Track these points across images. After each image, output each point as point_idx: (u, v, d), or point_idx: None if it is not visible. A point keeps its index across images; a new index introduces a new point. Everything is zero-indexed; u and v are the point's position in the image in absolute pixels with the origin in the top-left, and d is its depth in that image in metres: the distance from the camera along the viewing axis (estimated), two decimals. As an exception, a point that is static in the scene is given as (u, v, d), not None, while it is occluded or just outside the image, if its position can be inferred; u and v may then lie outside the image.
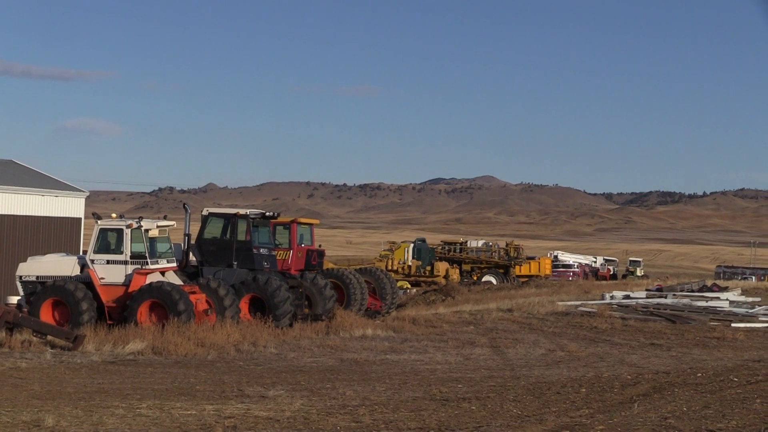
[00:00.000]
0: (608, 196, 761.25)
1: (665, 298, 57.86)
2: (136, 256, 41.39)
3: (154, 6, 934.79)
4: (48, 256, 44.19)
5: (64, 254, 44.58)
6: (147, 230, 42.41)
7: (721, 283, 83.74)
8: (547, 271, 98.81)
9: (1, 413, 21.26)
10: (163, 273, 41.91)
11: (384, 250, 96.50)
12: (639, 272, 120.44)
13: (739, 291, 64.80)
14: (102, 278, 41.10)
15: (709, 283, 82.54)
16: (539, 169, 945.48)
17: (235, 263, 43.98)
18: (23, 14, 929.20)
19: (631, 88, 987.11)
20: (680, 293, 62.15)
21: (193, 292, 40.74)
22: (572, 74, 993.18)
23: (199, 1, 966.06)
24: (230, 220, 45.08)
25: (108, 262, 41.43)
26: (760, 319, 49.68)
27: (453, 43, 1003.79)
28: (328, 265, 54.99)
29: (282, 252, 46.51)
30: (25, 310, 39.53)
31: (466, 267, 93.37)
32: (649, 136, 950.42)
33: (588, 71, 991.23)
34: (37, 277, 41.72)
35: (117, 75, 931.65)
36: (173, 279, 41.84)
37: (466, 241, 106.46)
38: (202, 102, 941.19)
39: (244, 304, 42.26)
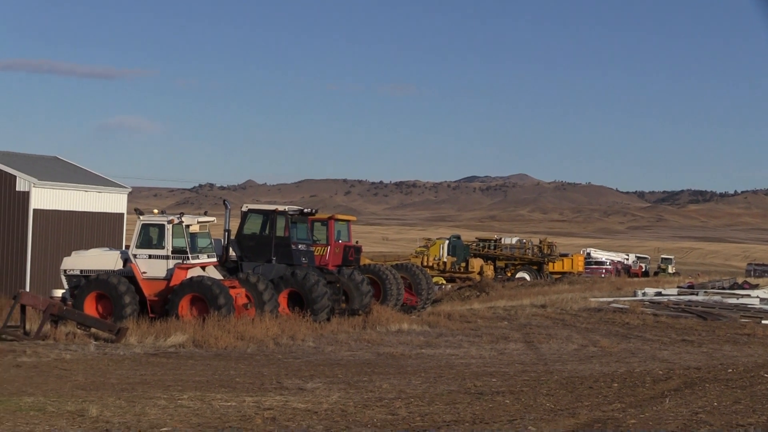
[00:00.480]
0: (640, 195, 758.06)
1: (696, 295, 57.70)
2: (177, 251, 41.49)
3: (195, 5, 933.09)
4: (91, 250, 44.34)
5: (108, 249, 44.76)
6: (188, 226, 42.52)
7: (752, 280, 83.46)
8: (580, 268, 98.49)
9: (47, 403, 21.40)
10: (203, 268, 41.98)
11: (420, 247, 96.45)
12: (671, 270, 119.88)
13: (769, 289, 64.51)
14: (144, 272, 41.23)
15: (740, 280, 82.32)
16: (572, 168, 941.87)
17: (274, 259, 44.01)
18: (67, 14, 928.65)
19: (663, 88, 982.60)
20: (711, 290, 61.95)
21: (233, 287, 40.82)
22: (605, 73, 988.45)
23: (237, 1, 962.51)
24: (269, 216, 45.10)
25: (150, 256, 41.55)
26: (790, 316, 49.47)
27: (487, 44, 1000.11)
28: (364, 261, 55.03)
29: (320, 248, 46.52)
30: (70, 303, 39.68)
31: (500, 263, 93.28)
32: (681, 134, 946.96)
33: (621, 70, 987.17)
34: (81, 271, 41.88)
35: (158, 73, 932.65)
36: (213, 274, 41.90)
37: (500, 238, 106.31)
38: (242, 100, 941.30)
39: (282, 299, 42.34)
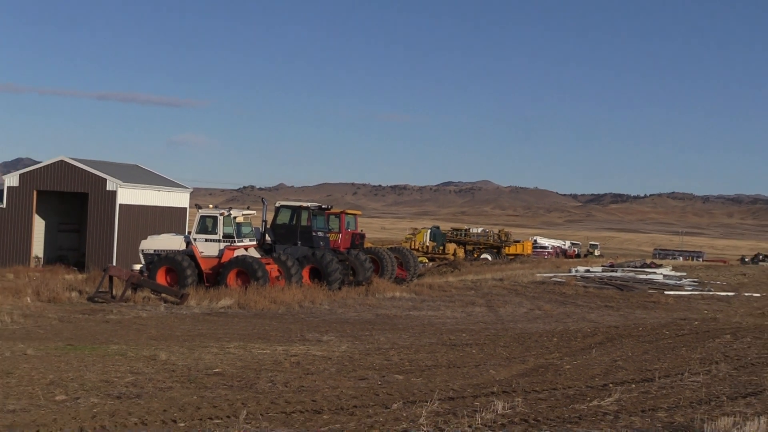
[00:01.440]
0: (574, 196, 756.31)
1: (616, 272, 57.74)
2: (226, 236, 41.67)
3: (239, 50, 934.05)
4: (162, 235, 44.39)
5: (174, 234, 44.77)
6: (234, 217, 42.71)
7: (657, 261, 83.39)
8: (529, 251, 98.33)
9: (128, 350, 21.42)
10: (246, 249, 42.13)
11: (408, 234, 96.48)
12: (596, 253, 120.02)
13: (671, 268, 64.58)
14: (202, 252, 41.35)
15: (648, 261, 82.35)
16: (524, 175, 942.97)
17: (299, 242, 44.14)
18: (144, 56, 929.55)
19: (591, 113, 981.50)
20: (627, 268, 61.97)
21: (268, 263, 40.90)
22: (547, 102, 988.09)
23: (263, 41, 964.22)
24: (296, 210, 45.25)
25: (206, 240, 41.69)
26: (685, 288, 49.55)
27: (450, 83, 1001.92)
28: (367, 244, 54.89)
29: (334, 235, 46.49)
30: (145, 274, 39.80)
31: (469, 247, 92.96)
32: (605, 147, 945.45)
33: (560, 99, 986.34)
34: (155, 250, 41.97)
35: (211, 102, 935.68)
36: (254, 253, 42.03)
37: (469, 228, 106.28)
38: (275, 120, 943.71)
39: (305, 273, 42.37)
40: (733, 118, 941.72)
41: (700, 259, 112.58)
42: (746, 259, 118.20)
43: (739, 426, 10.35)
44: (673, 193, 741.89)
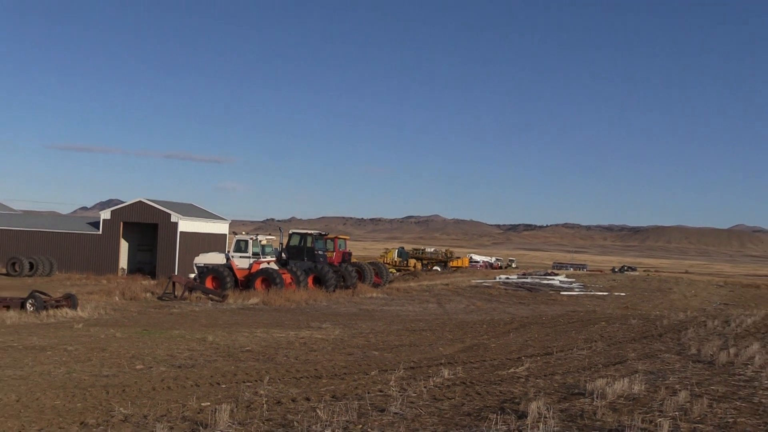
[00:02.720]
0: (498, 226, 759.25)
1: (527, 279, 57.86)
2: (254, 254, 41.58)
3: (261, 121, 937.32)
4: (209, 253, 44.22)
5: (218, 252, 44.63)
6: (260, 241, 42.66)
7: (555, 271, 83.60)
8: (466, 264, 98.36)
9: (185, 333, 21.34)
10: (268, 263, 42.06)
11: (382, 253, 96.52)
12: (514, 265, 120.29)
13: (564, 276, 64.82)
14: (237, 265, 41.21)
15: (549, 271, 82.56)
16: (463, 209, 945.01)
17: (305, 258, 44.10)
18: (200, 126, 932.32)
19: (506, 165, 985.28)
20: (534, 276, 62.13)
21: (284, 273, 40.83)
22: (474, 157, 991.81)
23: (282, 105, 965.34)
24: (303, 236, 45.22)
25: (240, 257, 41.58)
26: (574, 289, 49.72)
27: (406, 137, 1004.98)
28: (353, 260, 54.83)
29: (330, 253, 46.54)
30: (198, 281, 39.65)
31: (425, 262, 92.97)
32: (518, 191, 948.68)
33: (481, 154, 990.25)
34: (204, 264, 41.83)
35: (244, 160, 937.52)
36: (273, 266, 41.94)
37: (425, 248, 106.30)
38: (288, 171, 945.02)
39: (310, 280, 42.30)
40: (606, 169, 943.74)
41: (584, 270, 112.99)
42: (616, 269, 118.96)
43: (609, 384, 10.40)
44: (566, 223, 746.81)
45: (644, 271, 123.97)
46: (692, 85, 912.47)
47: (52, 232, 57.22)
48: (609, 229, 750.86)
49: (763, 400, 9.64)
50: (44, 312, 26.30)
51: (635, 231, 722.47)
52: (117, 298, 34.37)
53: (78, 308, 27.62)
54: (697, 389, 10.44)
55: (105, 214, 56.59)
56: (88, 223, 58.61)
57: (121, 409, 10.83)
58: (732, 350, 14.92)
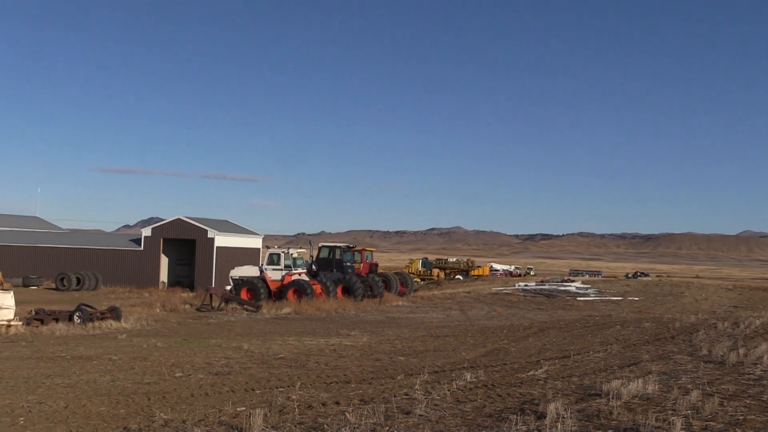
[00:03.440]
0: (517, 236, 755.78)
1: (544, 285, 57.61)
2: (286, 267, 41.69)
3: (292, 143, 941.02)
4: (244, 266, 44.43)
5: (252, 265, 44.83)
6: (292, 254, 42.76)
7: (572, 278, 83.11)
8: (487, 273, 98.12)
9: (222, 342, 21.38)
10: (299, 274, 42.12)
11: (407, 263, 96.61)
12: (532, 273, 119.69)
13: (580, 282, 64.46)
14: (270, 277, 41.32)
15: (565, 278, 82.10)
16: (484, 220, 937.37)
17: (334, 270, 44.09)
18: (236, 147, 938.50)
19: (527, 176, 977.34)
20: (552, 283, 61.86)
21: (315, 284, 40.87)
22: (495, 170, 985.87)
23: (308, 137, 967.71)
24: (333, 249, 45.21)
25: (273, 269, 41.70)
26: (590, 295, 49.41)
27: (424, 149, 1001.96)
28: (380, 270, 54.81)
29: (357, 264, 46.53)
30: (233, 292, 39.78)
31: (448, 271, 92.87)
32: (536, 202, 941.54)
33: (500, 169, 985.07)
34: (239, 276, 41.96)
35: (276, 179, 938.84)
36: (304, 278, 41.99)
37: (447, 259, 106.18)
38: (317, 188, 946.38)
39: (339, 290, 42.28)
40: (618, 179, 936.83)
41: (599, 276, 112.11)
42: (629, 275, 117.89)
43: (624, 385, 10.29)
44: (581, 232, 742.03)
45: (656, 276, 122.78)
46: (698, 96, 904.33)
47: (97, 249, 57.75)
48: (622, 237, 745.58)
49: (772, 399, 9.50)
50: (90, 324, 26.51)
51: (647, 238, 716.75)
52: (158, 310, 34.54)
53: (122, 320, 27.81)
54: (708, 388, 10.31)
55: (146, 232, 57.06)
56: (131, 240, 59.10)
57: (161, 414, 10.87)
58: (741, 351, 14.73)
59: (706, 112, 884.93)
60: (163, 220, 57.57)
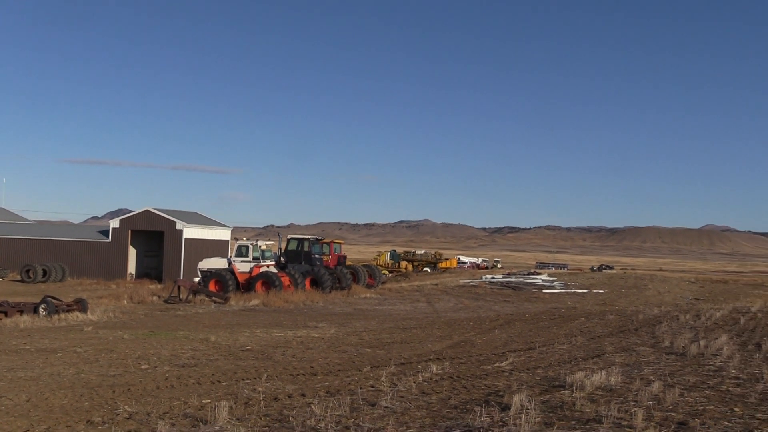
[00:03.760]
0: (484, 228, 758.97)
1: (511, 278, 57.88)
2: (255, 259, 41.46)
3: (263, 135, 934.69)
4: (213, 258, 44.06)
5: (221, 257, 44.48)
6: (260, 246, 42.52)
7: (538, 271, 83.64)
8: (454, 266, 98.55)
9: (189, 334, 21.21)
10: (268, 266, 41.91)
11: (375, 255, 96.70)
12: (499, 266, 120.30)
13: (546, 275, 64.90)
14: (239, 269, 41.10)
15: (532, 270, 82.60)
16: (451, 213, 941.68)
17: (303, 262, 43.98)
18: (206, 139, 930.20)
19: (496, 170, 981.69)
20: (518, 276, 62.18)
21: (283, 276, 40.73)
22: (464, 162, 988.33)
23: (279, 130, 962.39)
24: (301, 241, 45.10)
25: (242, 261, 41.47)
26: (556, 287, 49.75)
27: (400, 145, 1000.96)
28: (348, 262, 54.72)
29: (326, 256, 46.44)
30: (201, 284, 39.50)
31: (416, 263, 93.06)
32: (503, 195, 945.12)
33: (470, 161, 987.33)
34: (207, 268, 41.65)
35: (246, 171, 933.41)
36: (273, 269, 41.80)
37: (415, 251, 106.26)
38: (287, 181, 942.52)
39: (307, 282, 42.18)
40: (584, 173, 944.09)
41: (565, 269, 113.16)
42: (594, 268, 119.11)
43: (588, 377, 10.33)
44: (547, 225, 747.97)
45: (621, 269, 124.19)
46: (663, 96, 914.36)
47: (64, 240, 57.00)
48: (588, 230, 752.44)
49: (730, 389, 9.59)
50: (56, 316, 26.15)
51: (612, 232, 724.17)
52: (125, 302, 34.19)
53: (88, 312, 27.46)
54: (669, 380, 10.39)
55: (114, 223, 56.40)
56: (99, 232, 58.41)
57: (125, 407, 10.72)
58: (702, 342, 14.88)
59: (671, 110, 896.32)
60: (131, 211, 56.94)
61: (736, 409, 8.30)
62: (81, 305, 27.88)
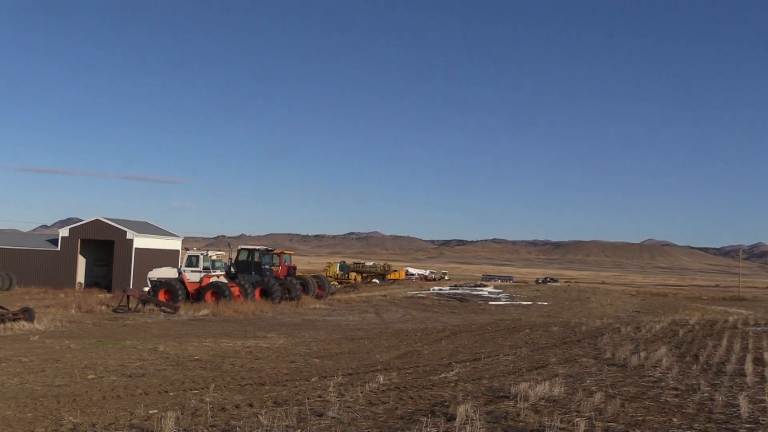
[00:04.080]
0: (432, 241, 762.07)
1: (458, 290, 58.15)
2: (205, 269, 40.95)
3: (214, 148, 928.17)
4: (162, 268, 43.41)
5: (171, 267, 43.84)
6: (210, 256, 42.02)
7: (484, 283, 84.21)
8: (403, 277, 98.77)
9: (137, 344, 20.83)
10: (218, 277, 41.44)
11: (325, 266, 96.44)
12: (446, 278, 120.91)
13: (493, 287, 65.34)
14: (188, 279, 40.55)
15: (478, 283, 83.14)
16: (400, 226, 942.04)
17: (253, 272, 43.59)
18: (157, 151, 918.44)
19: (443, 184, 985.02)
20: (465, 288, 62.49)
21: (233, 286, 40.31)
22: (412, 174, 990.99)
23: (228, 141, 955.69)
24: (251, 251, 44.70)
25: (192, 271, 40.91)
26: (501, 299, 50.11)
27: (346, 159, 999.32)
28: (298, 273, 54.39)
29: (276, 267, 46.09)
30: (151, 294, 38.89)
31: (365, 275, 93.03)
32: (450, 209, 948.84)
33: (417, 174, 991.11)
34: (157, 278, 41.02)
35: (197, 181, 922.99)
36: (223, 280, 41.34)
37: (365, 263, 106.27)
38: (237, 191, 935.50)
39: (257, 292, 41.80)
40: (530, 188, 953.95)
41: (511, 281, 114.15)
42: (539, 281, 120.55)
43: (532, 387, 10.39)
44: (494, 239, 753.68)
45: (565, 282, 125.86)
46: (605, 113, 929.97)
47: (12, 248, 55.70)
48: (533, 243, 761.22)
49: (669, 399, 9.73)
50: (1, 325, 25.47)
51: (557, 245, 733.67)
52: (73, 311, 33.46)
53: (35, 321, 26.80)
54: (611, 390, 10.50)
55: (63, 232, 55.35)
56: (47, 240, 57.23)
57: (70, 418, 10.45)
58: (642, 354, 15.09)
59: (614, 123, 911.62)
60: (81, 220, 55.93)
61: (675, 420, 8.42)
62: (28, 314, 27.21)
